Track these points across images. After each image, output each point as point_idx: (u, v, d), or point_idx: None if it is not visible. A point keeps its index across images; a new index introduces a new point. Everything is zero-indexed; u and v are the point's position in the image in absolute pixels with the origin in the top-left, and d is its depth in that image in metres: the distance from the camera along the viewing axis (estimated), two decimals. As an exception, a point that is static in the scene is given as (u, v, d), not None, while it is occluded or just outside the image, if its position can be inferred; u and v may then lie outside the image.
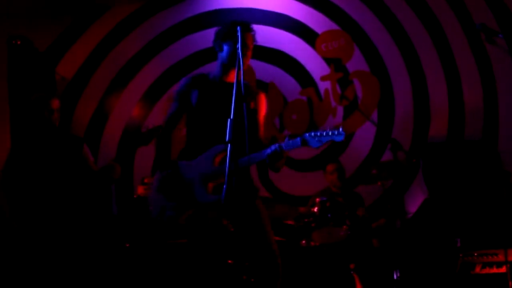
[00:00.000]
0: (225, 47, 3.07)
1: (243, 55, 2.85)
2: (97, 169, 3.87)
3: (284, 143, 2.85)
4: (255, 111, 3.13)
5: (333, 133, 2.76)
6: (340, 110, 5.89)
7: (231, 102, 2.67)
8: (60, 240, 3.60)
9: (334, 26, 6.01)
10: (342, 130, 2.76)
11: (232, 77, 3.05)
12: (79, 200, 3.72)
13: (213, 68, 3.21)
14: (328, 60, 5.99)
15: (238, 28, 2.82)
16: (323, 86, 5.97)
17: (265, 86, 6.00)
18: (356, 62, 5.92)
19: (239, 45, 2.77)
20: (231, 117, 2.55)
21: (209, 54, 6.16)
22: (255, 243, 3.01)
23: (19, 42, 5.70)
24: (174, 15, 6.36)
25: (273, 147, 2.85)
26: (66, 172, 3.70)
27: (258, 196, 3.14)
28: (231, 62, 3.03)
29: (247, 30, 3.05)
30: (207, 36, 6.21)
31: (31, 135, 3.80)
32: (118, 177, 3.79)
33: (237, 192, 2.81)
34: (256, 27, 3.18)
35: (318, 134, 2.79)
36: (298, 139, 2.82)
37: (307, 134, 2.81)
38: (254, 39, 3.11)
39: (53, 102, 3.79)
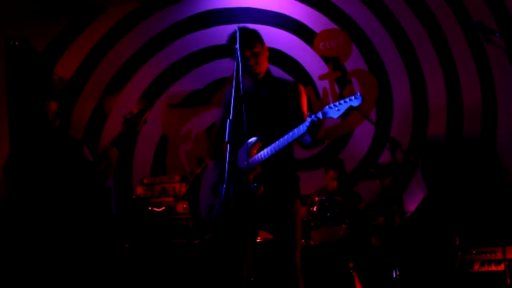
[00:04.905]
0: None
1: (249, 62, 3.09)
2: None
3: (309, 117, 2.85)
4: (296, 104, 3.16)
5: (350, 99, 2.75)
6: (338, 109, 5.89)
7: (260, 101, 3.03)
8: (60, 241, 3.61)
9: (332, 25, 6.01)
10: (360, 94, 2.72)
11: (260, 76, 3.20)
12: (78, 202, 3.72)
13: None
14: (326, 59, 5.99)
15: (236, 29, 2.85)
16: (322, 85, 5.97)
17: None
18: (354, 61, 5.91)
19: (237, 46, 2.79)
20: (230, 118, 2.56)
21: (207, 54, 6.20)
22: (277, 247, 3.07)
23: (16, 43, 5.70)
24: (172, 15, 6.35)
25: (309, 119, 2.82)
26: (64, 173, 3.70)
27: (297, 195, 3.17)
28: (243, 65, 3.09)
29: (246, 37, 3.07)
30: (205, 36, 6.23)
31: (31, 135, 3.81)
32: (116, 158, 3.73)
33: (273, 188, 2.99)
34: (253, 26, 3.19)
35: (337, 104, 2.77)
36: (320, 113, 2.80)
37: (327, 107, 2.79)
38: (255, 43, 3.17)
39: (50, 104, 3.81)
